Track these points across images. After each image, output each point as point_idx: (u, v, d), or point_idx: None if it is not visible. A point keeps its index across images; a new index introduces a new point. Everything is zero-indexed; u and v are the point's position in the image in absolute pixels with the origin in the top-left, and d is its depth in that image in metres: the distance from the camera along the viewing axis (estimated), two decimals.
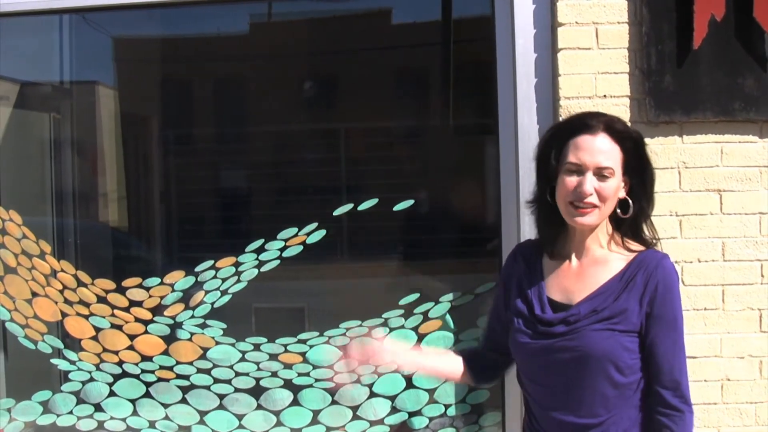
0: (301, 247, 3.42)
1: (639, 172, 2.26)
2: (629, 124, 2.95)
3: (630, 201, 2.25)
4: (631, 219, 2.28)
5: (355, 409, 3.44)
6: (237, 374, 3.47)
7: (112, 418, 3.54)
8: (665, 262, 2.21)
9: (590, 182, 2.19)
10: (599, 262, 2.27)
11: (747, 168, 2.98)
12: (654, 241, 2.33)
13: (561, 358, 2.21)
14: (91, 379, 3.53)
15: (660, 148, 2.97)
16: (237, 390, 3.49)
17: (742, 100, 2.94)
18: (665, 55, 2.94)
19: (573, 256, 2.31)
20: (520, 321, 2.31)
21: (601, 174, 2.19)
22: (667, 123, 2.96)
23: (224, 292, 3.45)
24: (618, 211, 2.25)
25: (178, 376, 3.49)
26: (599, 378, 2.17)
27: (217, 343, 3.47)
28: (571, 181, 2.21)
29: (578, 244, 2.30)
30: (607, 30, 2.98)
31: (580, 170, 2.20)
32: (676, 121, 2.96)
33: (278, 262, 3.42)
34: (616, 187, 2.22)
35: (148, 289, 3.47)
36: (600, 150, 2.19)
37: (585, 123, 2.24)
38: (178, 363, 3.48)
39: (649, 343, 2.18)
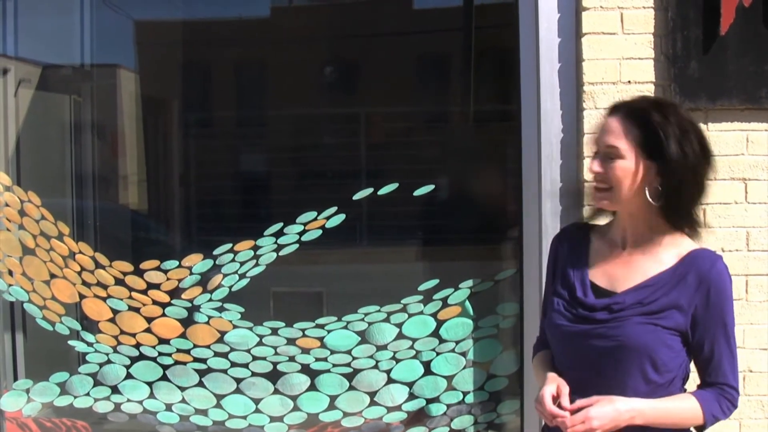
0: (320, 231, 3.40)
1: (664, 155, 2.09)
2: None
3: (660, 189, 2.10)
4: (673, 206, 2.13)
5: (372, 394, 3.43)
6: (254, 358, 3.46)
7: (128, 400, 3.54)
8: (719, 264, 2.12)
9: (595, 161, 2.15)
10: (648, 252, 2.18)
11: None
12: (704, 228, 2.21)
13: (597, 345, 2.13)
14: (108, 361, 3.53)
15: None
16: (254, 374, 3.48)
17: None
18: (691, 41, 2.89)
19: (620, 242, 2.23)
20: (560, 302, 2.23)
21: (607, 154, 2.14)
22: (692, 110, 2.90)
23: (242, 276, 3.44)
24: (648, 197, 2.12)
25: (195, 360, 3.48)
26: (633, 371, 2.10)
27: (235, 326, 3.46)
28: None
29: (623, 229, 2.22)
30: (632, 15, 2.94)
31: (596, 151, 2.18)
32: (701, 108, 2.91)
33: (297, 246, 3.40)
34: (625, 169, 2.11)
35: (166, 271, 3.46)
36: (606, 130, 2.13)
37: (614, 106, 2.20)
38: (195, 346, 3.47)
39: (695, 344, 2.11)
